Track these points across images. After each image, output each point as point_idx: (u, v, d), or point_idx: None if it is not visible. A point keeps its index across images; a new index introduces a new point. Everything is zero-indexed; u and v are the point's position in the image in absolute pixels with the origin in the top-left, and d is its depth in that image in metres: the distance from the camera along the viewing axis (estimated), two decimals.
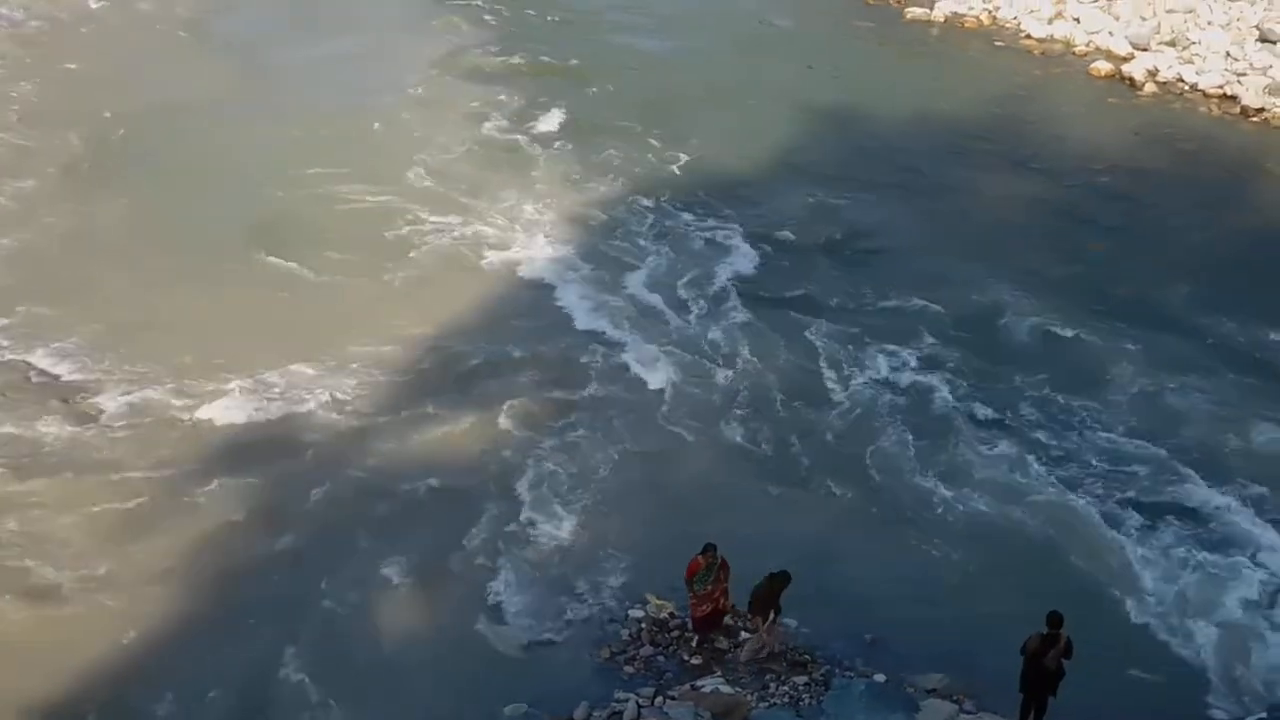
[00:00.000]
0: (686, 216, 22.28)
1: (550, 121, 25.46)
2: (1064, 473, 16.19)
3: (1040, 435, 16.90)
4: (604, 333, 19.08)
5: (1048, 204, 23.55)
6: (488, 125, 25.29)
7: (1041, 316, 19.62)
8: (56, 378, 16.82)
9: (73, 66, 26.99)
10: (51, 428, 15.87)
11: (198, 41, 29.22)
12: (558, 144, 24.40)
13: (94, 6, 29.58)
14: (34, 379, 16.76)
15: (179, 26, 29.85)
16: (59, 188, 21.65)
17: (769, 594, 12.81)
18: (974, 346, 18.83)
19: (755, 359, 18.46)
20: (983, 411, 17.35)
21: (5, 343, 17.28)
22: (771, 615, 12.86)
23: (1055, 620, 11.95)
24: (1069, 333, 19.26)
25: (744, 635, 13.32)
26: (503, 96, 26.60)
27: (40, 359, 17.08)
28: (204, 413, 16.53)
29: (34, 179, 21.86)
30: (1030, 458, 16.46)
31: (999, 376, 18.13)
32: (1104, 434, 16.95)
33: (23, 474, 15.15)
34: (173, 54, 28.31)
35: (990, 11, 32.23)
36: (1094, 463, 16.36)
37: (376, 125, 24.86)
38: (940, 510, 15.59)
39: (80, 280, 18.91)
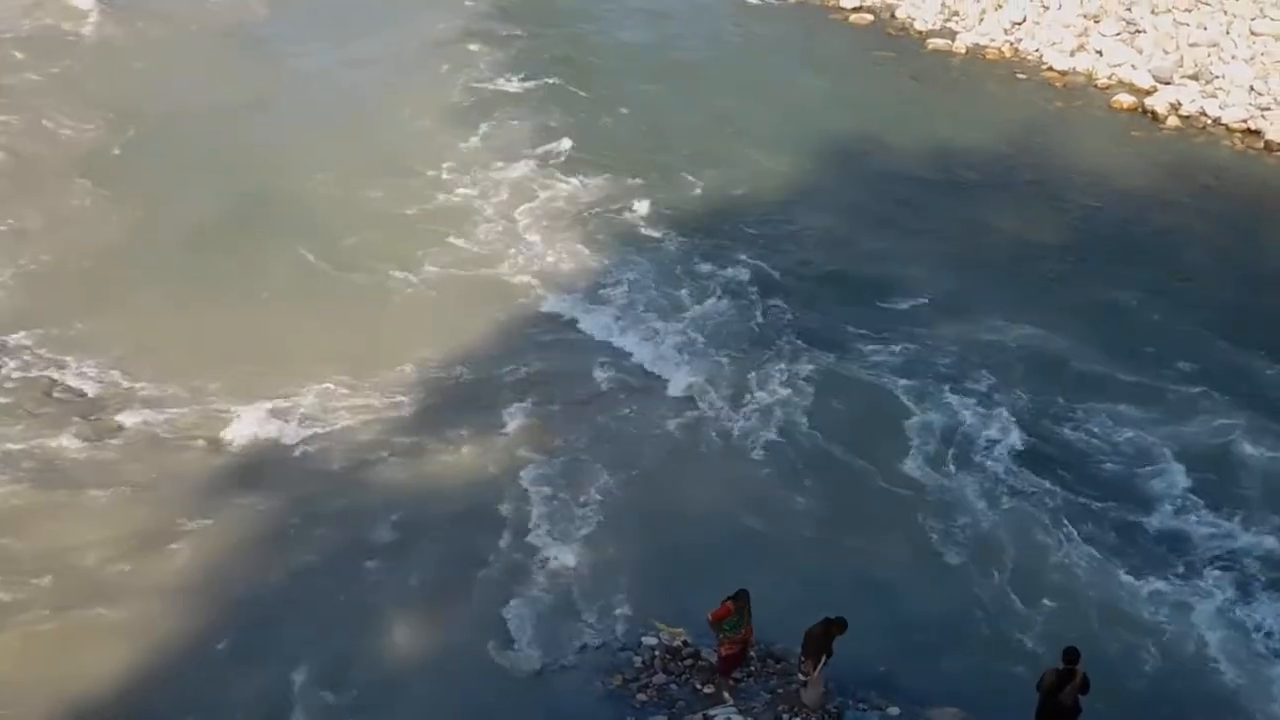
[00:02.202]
0: (703, 243, 22.31)
1: (572, 146, 25.44)
2: (1089, 511, 16.18)
3: (1067, 472, 16.87)
4: (619, 356, 19.12)
5: (1067, 236, 23.49)
6: (510, 143, 25.35)
7: (1062, 348, 19.61)
8: (80, 394, 16.98)
9: (108, 68, 27.26)
10: (72, 443, 16.02)
11: (239, 45, 29.50)
12: (578, 170, 24.42)
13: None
14: (57, 395, 16.93)
15: (224, 31, 30.14)
16: (87, 197, 21.92)
17: (824, 638, 12.60)
18: (996, 379, 18.79)
19: (771, 388, 18.42)
20: (1005, 444, 17.32)
21: (30, 359, 17.45)
22: (824, 659, 12.67)
23: (1072, 656, 11.90)
24: (1089, 368, 19.20)
25: (800, 677, 13.11)
26: (530, 117, 26.70)
27: (64, 375, 17.26)
28: (222, 432, 16.66)
29: (63, 187, 22.12)
30: (1055, 494, 16.45)
31: (1023, 410, 18.09)
32: (1135, 475, 16.90)
33: (42, 488, 15.29)
34: (213, 57, 28.62)
35: (1012, 43, 32.24)
36: (1121, 503, 16.34)
37: (403, 138, 25.01)
38: (960, 544, 15.55)
39: (106, 295, 19.12)
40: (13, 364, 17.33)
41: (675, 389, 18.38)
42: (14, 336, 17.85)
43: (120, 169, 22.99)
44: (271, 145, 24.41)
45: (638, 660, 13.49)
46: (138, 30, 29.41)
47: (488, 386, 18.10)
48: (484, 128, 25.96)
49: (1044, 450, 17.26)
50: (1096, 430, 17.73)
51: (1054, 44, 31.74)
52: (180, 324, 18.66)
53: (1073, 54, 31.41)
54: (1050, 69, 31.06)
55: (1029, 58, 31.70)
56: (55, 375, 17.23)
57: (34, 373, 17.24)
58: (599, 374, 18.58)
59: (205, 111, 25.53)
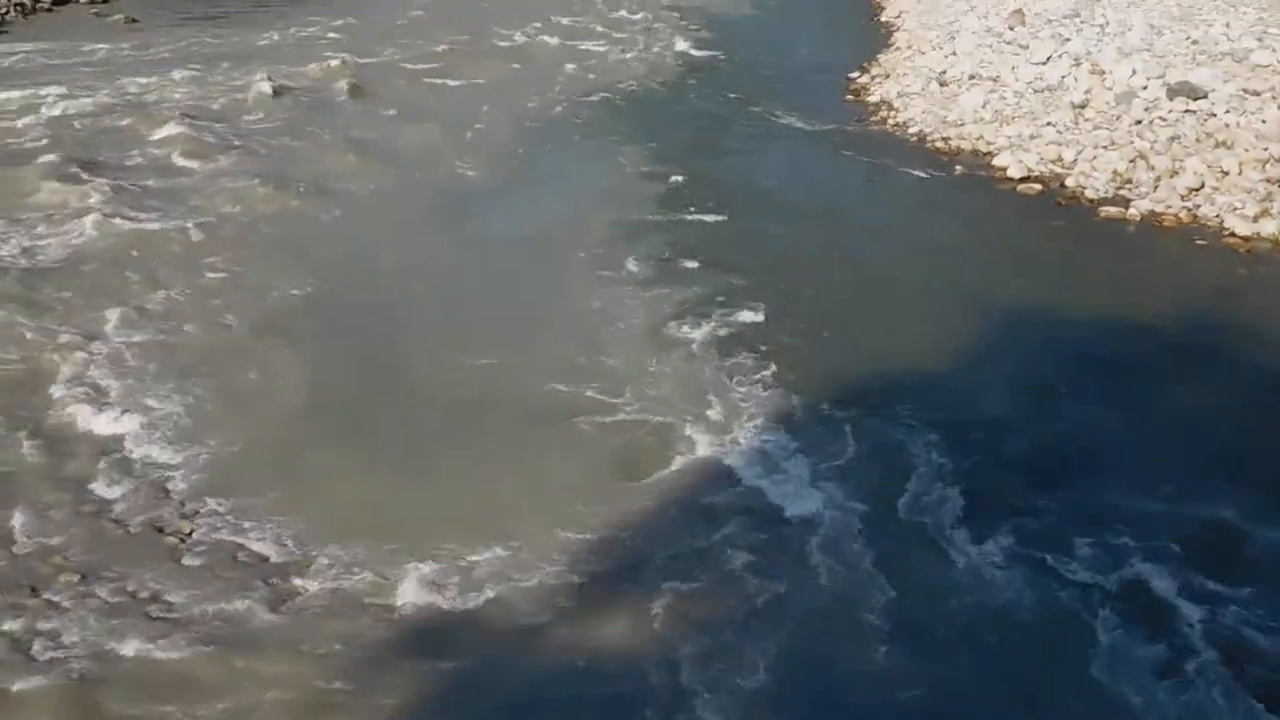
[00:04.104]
0: (862, 402, 22.05)
1: (732, 317, 25.57)
2: None
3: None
4: (772, 518, 18.85)
5: (1258, 410, 22.41)
6: (677, 317, 25.54)
7: (1242, 528, 18.55)
8: (263, 558, 17.64)
9: (302, 228, 29.09)
10: (254, 608, 16.60)
11: (435, 204, 31.07)
12: (738, 343, 24.50)
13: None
14: (241, 559, 17.63)
15: (422, 193, 31.81)
16: (273, 361, 23.08)
17: None
18: (1193, 560, 17.85)
19: (935, 559, 17.91)
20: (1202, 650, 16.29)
21: (219, 524, 18.27)
22: None
23: None
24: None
25: None
26: (690, 273, 27.08)
27: (248, 540, 17.99)
28: (391, 598, 17.02)
29: (253, 350, 23.38)
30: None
31: (1220, 590, 17.06)
32: None
33: (224, 653, 15.82)
34: (407, 217, 30.25)
35: (1190, 209, 31.47)
36: None
37: (571, 308, 25.67)
38: None
39: (287, 460, 19.97)
40: (203, 529, 18.16)
41: (831, 556, 17.94)
42: (207, 502, 18.76)
43: (306, 331, 24.25)
44: (452, 307, 25.49)
45: None
46: (335, 191, 31.53)
47: (639, 548, 18.07)
48: (650, 284, 26.58)
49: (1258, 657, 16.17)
50: None
51: (1235, 209, 30.85)
52: (355, 489, 19.30)
53: (1256, 219, 30.43)
54: (1232, 234, 30.12)
55: (1209, 223, 30.85)
56: (240, 540, 17.97)
57: (222, 537, 18.01)
58: (749, 536, 18.35)
59: (392, 272, 26.96)
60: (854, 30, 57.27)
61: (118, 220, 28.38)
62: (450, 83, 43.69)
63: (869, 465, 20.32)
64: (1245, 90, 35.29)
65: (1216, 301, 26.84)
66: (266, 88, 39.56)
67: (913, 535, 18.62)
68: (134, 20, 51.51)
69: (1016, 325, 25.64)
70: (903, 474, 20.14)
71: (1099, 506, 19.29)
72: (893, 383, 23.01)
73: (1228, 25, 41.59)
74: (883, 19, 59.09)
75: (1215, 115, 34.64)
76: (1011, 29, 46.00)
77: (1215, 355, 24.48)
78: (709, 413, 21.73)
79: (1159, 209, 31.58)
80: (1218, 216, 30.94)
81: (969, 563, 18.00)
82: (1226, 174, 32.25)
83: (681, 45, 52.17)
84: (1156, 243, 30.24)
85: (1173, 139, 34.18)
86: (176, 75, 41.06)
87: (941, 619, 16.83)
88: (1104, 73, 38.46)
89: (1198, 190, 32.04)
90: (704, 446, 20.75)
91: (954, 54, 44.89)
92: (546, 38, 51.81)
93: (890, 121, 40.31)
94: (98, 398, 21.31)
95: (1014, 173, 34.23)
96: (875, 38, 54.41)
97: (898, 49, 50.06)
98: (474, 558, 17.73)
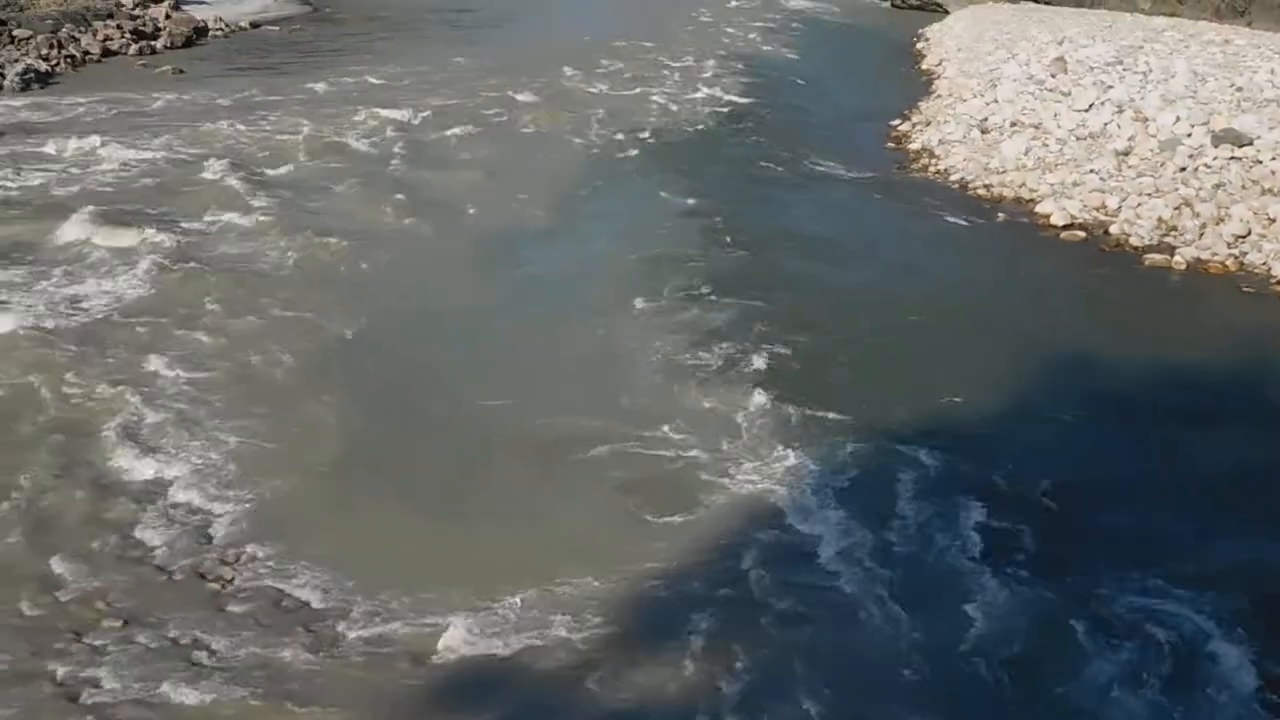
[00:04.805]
0: (903, 449, 21.88)
1: (766, 354, 25.52)
2: None
3: None
4: (816, 564, 18.67)
5: None
6: (713, 354, 25.51)
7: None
8: (305, 604, 17.68)
9: (353, 269, 29.45)
10: (295, 654, 16.59)
11: (493, 249, 31.40)
12: (772, 380, 24.38)
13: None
14: (284, 605, 17.68)
15: (482, 237, 32.21)
16: (319, 404, 23.21)
17: None
18: (1228, 622, 17.50)
19: (975, 611, 17.56)
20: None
21: (261, 571, 18.33)
22: None
23: None
24: None
25: None
26: (728, 325, 26.96)
27: (291, 585, 18.04)
28: (430, 645, 16.96)
29: (298, 392, 23.57)
30: None
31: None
32: None
33: (266, 698, 15.81)
34: (465, 261, 30.67)
35: (1236, 256, 31.20)
36: None
37: (609, 348, 25.76)
38: None
39: (330, 506, 20.05)
40: (245, 575, 18.25)
41: (865, 594, 17.80)
42: (248, 549, 18.85)
43: (350, 375, 24.37)
44: (495, 349, 25.68)
45: None
46: (384, 236, 31.87)
47: (676, 588, 18.00)
48: (687, 324, 26.68)
49: None
50: None
51: None
52: (397, 534, 19.34)
53: None
54: (1279, 282, 29.81)
55: (1256, 271, 30.57)
56: (282, 586, 18.01)
57: (263, 583, 18.06)
58: (783, 574, 18.26)
59: (439, 314, 27.17)
60: (895, 78, 57.55)
61: (170, 267, 28.77)
62: (496, 129, 44.22)
63: (900, 502, 20.18)
64: None
65: (1263, 349, 26.53)
66: (335, 138, 40.46)
67: (947, 574, 18.42)
68: (181, 71, 52.65)
69: (1057, 370, 25.45)
70: (934, 512, 19.95)
71: (1137, 549, 18.94)
72: (926, 421, 22.90)
73: (1273, 72, 41.42)
74: (924, 67, 59.34)
75: (1261, 162, 34.41)
76: (1053, 76, 46.01)
77: (1260, 403, 24.17)
78: (741, 448, 21.70)
79: (1205, 256, 31.31)
80: (1265, 264, 30.65)
81: (1002, 602, 17.73)
82: (1273, 221, 31.98)
83: (725, 92, 52.65)
84: (1202, 290, 29.98)
85: (1218, 186, 33.97)
86: (226, 124, 41.80)
87: (974, 661, 16.52)
88: (1147, 120, 38.35)
89: (1244, 238, 31.78)
90: (739, 483, 20.68)
91: (995, 101, 44.95)
92: (593, 84, 52.49)
93: (932, 169, 40.35)
94: (144, 442, 21.54)
95: (1057, 220, 34.09)
96: (916, 85, 54.64)
97: (939, 96, 50.24)
98: (512, 601, 17.71)
